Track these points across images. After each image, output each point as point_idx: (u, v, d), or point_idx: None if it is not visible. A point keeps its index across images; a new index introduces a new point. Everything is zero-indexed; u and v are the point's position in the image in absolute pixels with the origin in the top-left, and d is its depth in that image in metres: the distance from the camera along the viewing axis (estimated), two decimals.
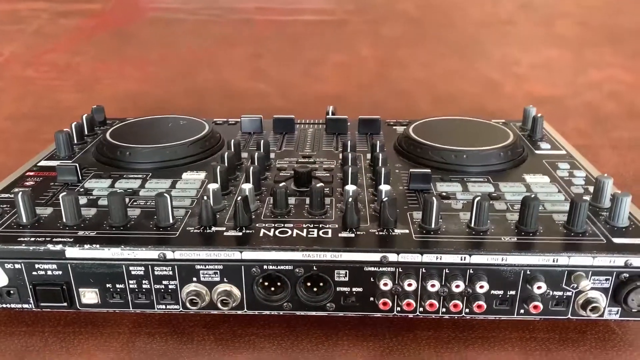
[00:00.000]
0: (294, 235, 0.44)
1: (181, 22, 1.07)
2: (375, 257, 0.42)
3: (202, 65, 0.96)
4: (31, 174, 0.55)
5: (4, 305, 0.45)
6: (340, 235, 0.43)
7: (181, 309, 0.44)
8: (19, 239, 0.43)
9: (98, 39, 1.04)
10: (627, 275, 0.41)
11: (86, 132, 0.65)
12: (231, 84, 0.93)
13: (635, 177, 0.51)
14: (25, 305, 0.45)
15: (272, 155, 0.59)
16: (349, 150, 0.55)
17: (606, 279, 0.41)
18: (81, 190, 0.51)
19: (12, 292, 0.44)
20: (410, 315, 0.44)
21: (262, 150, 0.55)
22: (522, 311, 0.43)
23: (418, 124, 0.63)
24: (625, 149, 0.76)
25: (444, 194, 0.50)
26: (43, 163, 0.58)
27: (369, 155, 0.58)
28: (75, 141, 0.62)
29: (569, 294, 0.42)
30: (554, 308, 0.43)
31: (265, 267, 0.42)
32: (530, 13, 1.09)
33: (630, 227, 0.44)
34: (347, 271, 0.42)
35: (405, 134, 0.60)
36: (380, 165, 0.51)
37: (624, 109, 0.87)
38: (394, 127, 0.69)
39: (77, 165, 0.53)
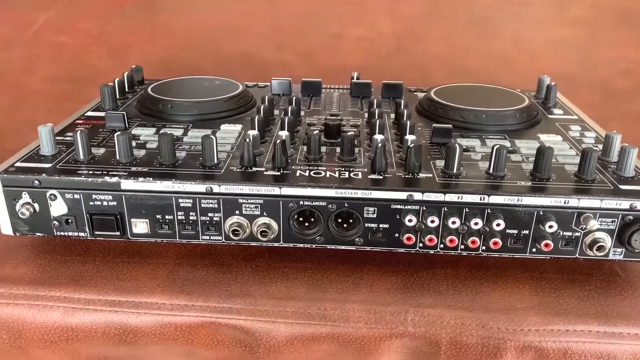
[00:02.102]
0: (327, 176, 0.48)
1: None
2: (402, 195, 0.46)
3: (227, 36, 1.00)
4: (80, 122, 0.60)
5: (62, 233, 0.49)
6: (369, 177, 0.48)
7: (223, 239, 0.49)
8: (78, 172, 0.48)
9: (127, 9, 1.08)
10: (632, 217, 0.45)
11: (127, 89, 0.69)
12: (255, 54, 0.97)
13: None
14: (81, 234, 0.49)
15: (301, 113, 0.64)
16: (375, 107, 0.59)
17: (612, 221, 0.46)
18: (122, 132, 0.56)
19: (70, 220, 0.48)
20: (432, 252, 0.48)
21: (294, 105, 0.60)
22: (534, 250, 0.47)
23: (439, 89, 0.66)
24: (633, 121, 0.79)
25: (464, 147, 0.54)
26: (90, 113, 0.62)
27: (392, 116, 0.62)
28: (118, 96, 0.66)
29: (578, 234, 0.46)
30: (564, 248, 0.47)
31: (301, 202, 0.47)
32: None
33: (636, 177, 0.48)
34: (376, 208, 0.46)
35: (427, 96, 0.64)
36: (405, 119, 0.55)
37: (635, 85, 0.90)
38: (415, 93, 0.73)
39: (124, 113, 0.57)
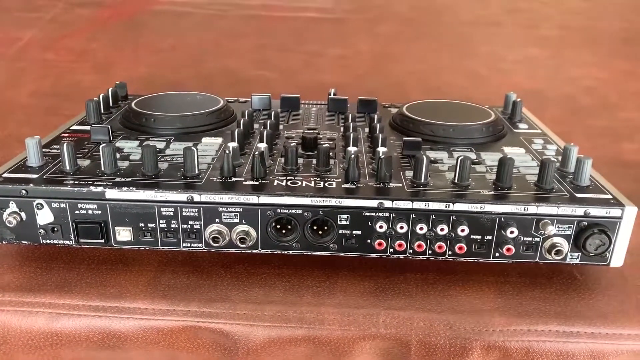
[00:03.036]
0: (304, 185, 0.51)
1: (189, 15, 1.15)
2: (373, 203, 0.49)
3: (210, 54, 1.03)
4: (66, 135, 0.62)
5: (48, 241, 0.51)
6: (343, 186, 0.51)
7: (204, 247, 0.51)
8: (64, 182, 0.50)
9: (112, 28, 1.11)
10: (586, 223, 0.49)
11: (111, 104, 0.72)
12: (237, 71, 1.00)
13: (603, 160, 0.59)
14: (67, 242, 0.51)
15: (280, 127, 0.66)
16: (349, 121, 0.62)
17: (568, 227, 0.49)
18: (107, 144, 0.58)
19: (56, 229, 0.50)
20: (402, 257, 0.51)
21: (272, 119, 0.62)
22: (497, 254, 0.50)
23: (411, 104, 0.70)
24: (596, 136, 0.84)
25: (432, 158, 0.57)
26: (75, 127, 0.64)
27: (366, 130, 0.66)
28: (102, 110, 0.69)
29: (537, 239, 0.49)
30: (524, 252, 0.50)
31: (278, 210, 0.49)
32: (515, 16, 1.17)
33: (590, 186, 0.52)
34: (349, 215, 0.49)
35: (399, 111, 0.68)
36: (377, 132, 0.58)
37: (599, 101, 0.95)
38: (389, 109, 0.76)
39: (109, 127, 0.59)
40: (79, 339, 0.50)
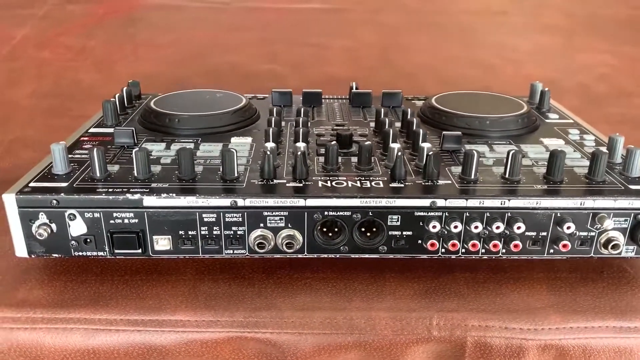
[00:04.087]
0: (349, 185, 0.48)
1: (187, 10, 1.11)
2: (425, 202, 0.47)
3: (214, 49, 1.00)
4: (86, 138, 0.59)
5: (80, 253, 0.48)
6: (391, 185, 0.48)
7: (247, 253, 0.48)
8: (97, 190, 0.47)
9: (109, 24, 1.06)
10: None
11: (126, 104, 0.68)
12: (244, 66, 0.97)
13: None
14: (100, 253, 0.48)
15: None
16: (383, 116, 0.60)
17: (625, 220, 0.47)
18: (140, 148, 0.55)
19: (89, 240, 0.48)
20: (454, 256, 0.49)
21: (303, 116, 0.60)
22: (551, 251, 0.49)
23: (439, 97, 0.68)
24: (616, 124, 0.83)
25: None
26: (94, 130, 0.61)
27: (397, 124, 0.63)
28: (119, 111, 0.65)
29: (593, 234, 0.48)
30: (579, 247, 0.49)
31: (326, 212, 0.47)
32: (520, 5, 1.16)
33: None
34: (400, 216, 0.47)
35: (429, 104, 0.66)
36: (416, 127, 0.56)
37: (613, 89, 0.94)
38: (413, 101, 0.74)
39: (133, 129, 0.56)
40: (117, 355, 0.47)
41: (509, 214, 0.47)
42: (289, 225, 0.47)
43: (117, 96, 0.66)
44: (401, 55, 1.01)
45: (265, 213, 0.47)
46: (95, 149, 0.48)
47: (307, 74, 0.95)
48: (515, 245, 0.48)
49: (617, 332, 0.47)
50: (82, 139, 0.59)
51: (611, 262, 0.53)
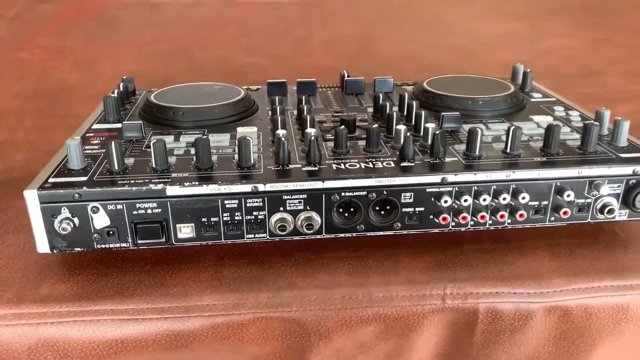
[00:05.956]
0: (362, 167, 0.50)
1: (163, 6, 1.11)
2: (437, 178, 0.49)
3: (196, 45, 1.00)
4: (91, 135, 0.59)
5: (103, 246, 0.49)
6: (402, 164, 0.51)
7: (268, 237, 0.50)
8: (119, 182, 0.47)
9: (83, 24, 1.05)
10: (635, 181, 0.51)
11: (123, 99, 0.68)
12: (228, 60, 0.98)
13: None
14: (124, 244, 0.49)
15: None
16: (382, 101, 0.63)
17: (618, 186, 0.51)
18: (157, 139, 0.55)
19: (112, 232, 0.48)
20: (463, 229, 0.52)
21: (307, 104, 0.62)
22: (552, 218, 0.52)
23: (430, 81, 0.71)
24: (590, 102, 0.87)
25: None
26: (97, 126, 0.61)
27: (395, 108, 0.66)
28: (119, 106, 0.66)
29: (589, 200, 0.52)
30: (577, 214, 0.52)
31: (343, 193, 0.49)
32: None
33: (629, 146, 0.54)
34: (412, 193, 0.50)
35: (422, 88, 0.68)
36: (416, 109, 0.59)
37: (581, 70, 0.99)
38: (403, 87, 0.77)
39: (141, 122, 0.57)
40: (146, 343, 0.48)
41: (514, 186, 0.50)
42: (308, 208, 0.49)
43: (116, 92, 0.66)
44: (379, 45, 1.04)
45: (285, 197, 0.48)
46: (112, 142, 0.49)
47: (290, 66, 0.97)
48: (521, 215, 0.51)
49: (615, 290, 0.51)
50: (88, 135, 0.59)
51: (603, 226, 0.57)
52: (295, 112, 0.64)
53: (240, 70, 0.95)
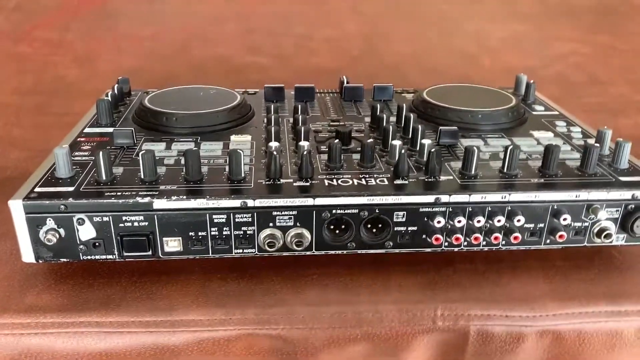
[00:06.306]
0: (355, 183, 0.49)
1: (162, 1, 1.09)
2: (430, 198, 0.48)
3: (197, 42, 0.99)
4: (82, 139, 0.58)
5: (89, 257, 0.48)
6: (395, 182, 0.50)
7: (256, 252, 0.49)
8: (106, 194, 0.47)
9: (85, 17, 1.04)
10: (633, 206, 0.50)
11: (117, 102, 0.67)
12: (229, 59, 0.96)
13: None
14: (110, 256, 0.48)
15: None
16: (379, 112, 0.61)
17: (616, 210, 0.50)
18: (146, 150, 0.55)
19: (98, 244, 0.47)
20: (456, 249, 0.51)
21: (302, 114, 0.60)
22: (548, 241, 0.51)
23: (430, 90, 0.69)
24: (593, 113, 0.86)
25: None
26: (89, 130, 0.60)
27: (392, 119, 0.65)
28: (112, 110, 0.65)
29: (586, 224, 0.51)
30: (574, 237, 0.51)
31: (334, 211, 0.48)
32: None
33: (630, 169, 0.53)
34: (405, 212, 0.49)
35: (421, 98, 0.67)
36: (414, 123, 0.57)
37: (588, 78, 0.98)
38: (403, 95, 0.75)
39: (132, 129, 0.56)
40: (130, 356, 0.48)
41: (509, 208, 0.49)
42: (298, 224, 0.48)
43: (109, 94, 0.65)
44: (383, 45, 1.02)
45: (275, 213, 0.48)
46: (100, 152, 0.48)
47: (292, 66, 0.96)
48: (515, 237, 0.50)
49: (609, 315, 0.50)
50: (79, 139, 0.58)
51: (601, 248, 0.56)
52: (292, 120, 0.63)
53: (242, 70, 0.94)
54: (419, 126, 0.56)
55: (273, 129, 0.55)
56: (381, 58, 1.00)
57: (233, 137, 0.59)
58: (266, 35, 1.00)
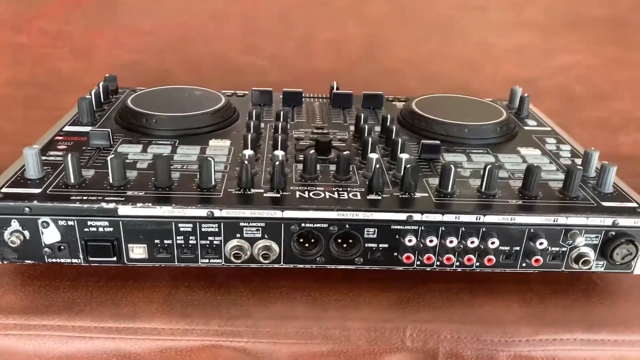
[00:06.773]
0: (327, 197, 0.48)
1: None
2: (402, 216, 0.47)
3: (195, 38, 0.98)
4: (60, 138, 0.57)
5: (54, 260, 0.48)
6: (368, 197, 0.49)
7: (223, 262, 0.48)
8: (72, 198, 0.46)
9: (86, 7, 1.03)
10: (614, 233, 0.48)
11: (102, 100, 0.67)
12: (226, 58, 0.95)
13: (604, 154, 0.59)
14: (75, 260, 0.48)
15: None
16: (362, 123, 0.60)
17: (596, 236, 0.48)
18: (116, 154, 0.54)
19: (62, 247, 0.47)
20: (428, 269, 0.50)
21: (284, 121, 0.59)
22: (524, 265, 0.50)
23: (419, 100, 0.68)
24: (592, 128, 0.84)
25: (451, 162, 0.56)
26: (69, 128, 0.60)
27: (377, 128, 0.63)
28: (95, 108, 0.64)
29: (564, 249, 0.49)
30: (551, 262, 0.50)
31: (303, 224, 0.47)
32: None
33: (614, 193, 0.51)
34: (376, 229, 0.47)
35: (409, 108, 0.66)
36: (395, 136, 0.56)
37: (591, 91, 0.95)
38: (393, 103, 0.74)
39: (109, 130, 0.55)
40: None
41: (484, 229, 0.48)
42: (266, 236, 0.47)
43: (93, 92, 0.65)
44: (384, 50, 1.00)
45: (242, 224, 0.47)
46: (69, 155, 0.47)
47: (289, 68, 0.94)
48: (489, 260, 0.48)
49: (584, 344, 0.49)
50: (56, 138, 0.57)
51: (582, 274, 0.54)
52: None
53: (238, 70, 0.93)
54: (399, 139, 0.54)
55: (250, 136, 0.54)
56: (381, 63, 0.98)
57: (212, 142, 0.58)
58: (265, 35, 0.99)
